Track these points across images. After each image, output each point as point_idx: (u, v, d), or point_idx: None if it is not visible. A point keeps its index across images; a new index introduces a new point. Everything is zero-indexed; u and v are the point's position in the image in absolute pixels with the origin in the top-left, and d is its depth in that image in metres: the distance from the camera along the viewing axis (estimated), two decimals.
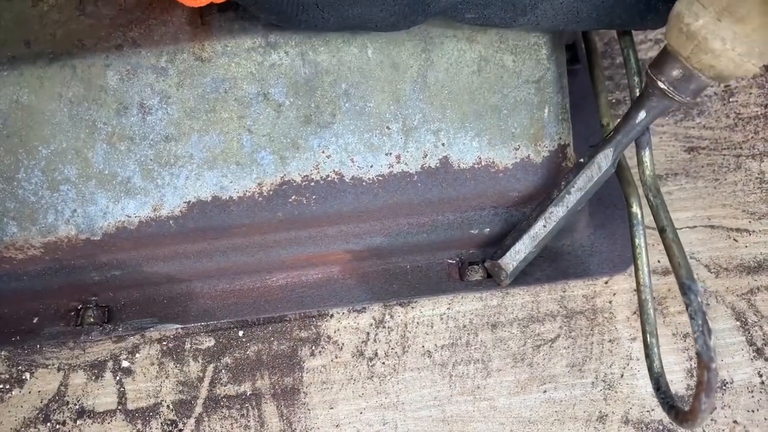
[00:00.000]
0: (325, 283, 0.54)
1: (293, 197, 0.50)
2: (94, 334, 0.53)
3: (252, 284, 0.54)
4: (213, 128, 0.49)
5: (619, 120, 0.50)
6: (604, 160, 0.50)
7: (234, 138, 0.49)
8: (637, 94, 0.50)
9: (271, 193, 0.50)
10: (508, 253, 0.51)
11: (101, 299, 0.54)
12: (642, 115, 0.48)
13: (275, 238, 0.52)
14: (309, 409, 0.52)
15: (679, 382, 0.52)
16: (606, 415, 0.51)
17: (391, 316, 0.54)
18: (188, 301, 0.54)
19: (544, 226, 0.51)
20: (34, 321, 0.54)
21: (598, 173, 0.50)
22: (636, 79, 0.51)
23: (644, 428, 0.51)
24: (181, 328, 0.54)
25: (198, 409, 0.52)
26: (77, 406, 0.52)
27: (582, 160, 0.50)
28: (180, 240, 0.51)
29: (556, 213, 0.51)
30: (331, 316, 0.54)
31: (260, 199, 0.50)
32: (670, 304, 0.54)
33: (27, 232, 0.49)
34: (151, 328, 0.53)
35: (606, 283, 0.55)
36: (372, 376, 0.53)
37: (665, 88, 0.46)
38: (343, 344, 0.54)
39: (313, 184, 0.50)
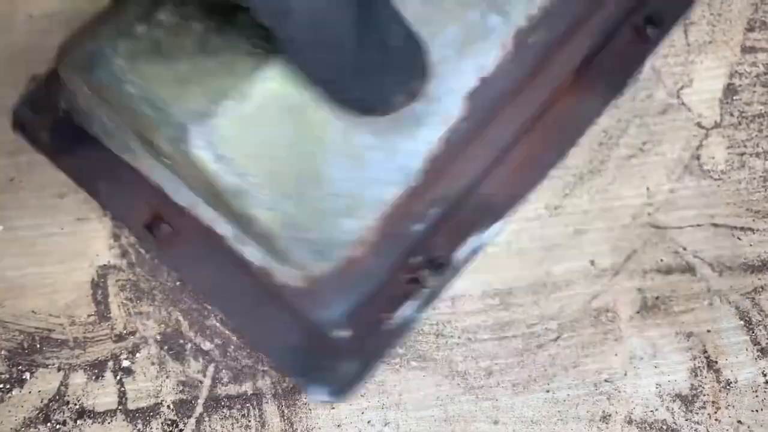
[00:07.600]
0: None
1: None
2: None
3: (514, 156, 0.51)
4: None
5: None
6: None
7: None
8: None
9: None
10: None
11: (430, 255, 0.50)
12: None
13: None
14: (310, 409, 0.52)
15: (682, 381, 0.52)
16: (609, 415, 0.51)
17: None
18: (486, 202, 0.51)
19: None
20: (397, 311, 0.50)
21: None
22: None
23: (648, 428, 0.51)
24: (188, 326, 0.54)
25: (199, 409, 0.52)
26: (77, 406, 0.52)
27: None
28: (471, 138, 0.48)
29: None
30: None
31: None
32: (674, 304, 0.54)
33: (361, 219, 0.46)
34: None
35: (610, 281, 0.55)
36: (374, 375, 0.53)
37: None
38: None
39: None
